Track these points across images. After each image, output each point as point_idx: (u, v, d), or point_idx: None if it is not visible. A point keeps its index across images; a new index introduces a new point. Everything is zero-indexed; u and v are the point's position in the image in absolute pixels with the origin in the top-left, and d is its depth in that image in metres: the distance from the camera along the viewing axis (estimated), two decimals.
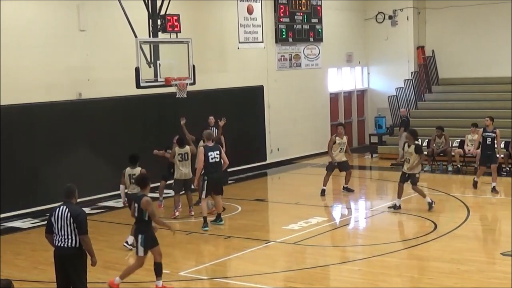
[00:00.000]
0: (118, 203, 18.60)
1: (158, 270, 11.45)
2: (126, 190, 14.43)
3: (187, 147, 16.69)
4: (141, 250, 11.26)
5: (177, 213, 16.84)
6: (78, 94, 18.78)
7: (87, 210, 17.71)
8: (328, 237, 15.12)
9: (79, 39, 18.72)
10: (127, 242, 14.02)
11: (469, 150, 22.33)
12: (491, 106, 24.91)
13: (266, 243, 14.48)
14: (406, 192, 18.97)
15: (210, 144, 15.68)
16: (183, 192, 16.81)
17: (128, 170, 14.30)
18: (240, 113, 23.09)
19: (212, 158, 15.46)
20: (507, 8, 26.78)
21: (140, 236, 11.27)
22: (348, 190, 19.40)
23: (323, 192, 18.94)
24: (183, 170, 16.50)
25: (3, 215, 17.04)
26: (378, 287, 11.59)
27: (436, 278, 11.84)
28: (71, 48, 18.56)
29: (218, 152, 15.62)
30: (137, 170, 14.15)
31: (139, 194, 11.46)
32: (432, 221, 15.61)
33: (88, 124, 18.88)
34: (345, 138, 19.20)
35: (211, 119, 19.20)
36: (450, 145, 22.85)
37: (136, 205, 11.34)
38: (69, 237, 9.71)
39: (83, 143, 18.75)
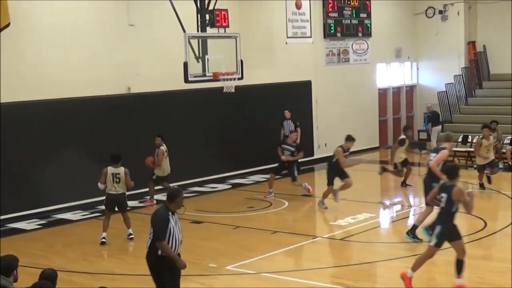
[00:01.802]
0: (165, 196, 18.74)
1: (458, 266, 11.14)
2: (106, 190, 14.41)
3: None
4: (434, 241, 11.01)
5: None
6: (127, 88, 18.96)
7: (134, 203, 17.93)
8: (376, 233, 15.02)
9: (128, 34, 18.86)
10: (104, 238, 14.20)
11: None
12: None
13: (313, 238, 14.44)
14: None
15: None
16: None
17: (110, 169, 14.33)
18: (287, 108, 23.00)
19: None
20: None
21: (438, 227, 10.92)
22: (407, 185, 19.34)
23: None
24: None
25: (53, 207, 17.28)
26: (426, 285, 11.46)
27: (486, 277, 11.69)
28: (120, 43, 18.71)
29: None
30: (121, 169, 14.28)
31: (447, 184, 10.95)
32: (482, 219, 15.38)
33: (136, 118, 19.01)
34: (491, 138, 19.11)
35: (287, 112, 20.74)
36: (502, 142, 22.49)
37: (443, 195, 10.87)
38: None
39: (127, 135, 18.84)
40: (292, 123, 21.09)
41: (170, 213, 8.98)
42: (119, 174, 14.21)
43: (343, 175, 17.15)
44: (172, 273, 9.04)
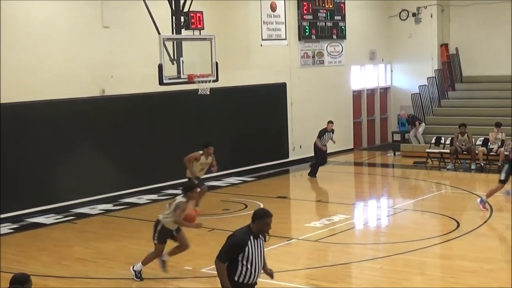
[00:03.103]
0: (141, 199, 18.76)
1: None
2: None
3: None
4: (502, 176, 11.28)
5: None
6: (101, 90, 18.89)
7: (109, 206, 17.90)
8: (350, 235, 15.10)
9: (102, 36, 18.81)
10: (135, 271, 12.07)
11: (491, 148, 22.22)
12: None
13: (288, 240, 14.48)
14: (429, 189, 18.96)
15: None
16: None
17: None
18: (262, 110, 23.12)
19: None
20: None
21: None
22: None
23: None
24: None
25: (26, 211, 17.17)
26: (400, 285, 11.55)
27: (459, 277, 11.78)
28: (94, 45, 18.65)
29: None
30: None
31: None
32: (455, 220, 15.53)
33: (110, 121, 18.97)
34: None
35: (330, 125, 21.52)
36: (473, 143, 22.72)
37: None
38: None
39: (105, 139, 18.83)
40: (332, 134, 21.81)
41: (251, 236, 7.91)
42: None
43: None
44: None
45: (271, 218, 7.98)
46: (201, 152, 16.75)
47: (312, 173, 21.54)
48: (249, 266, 7.84)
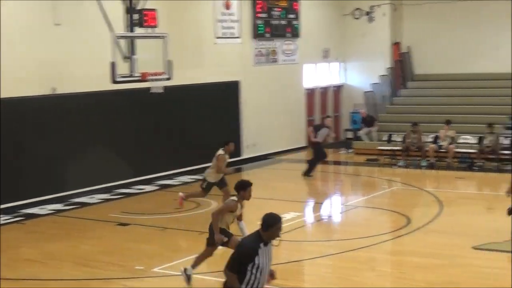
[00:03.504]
0: (92, 199, 18.62)
1: None
2: None
3: None
4: None
5: None
6: (52, 89, 18.66)
7: (59, 206, 17.72)
8: (302, 232, 15.20)
9: (54, 34, 18.62)
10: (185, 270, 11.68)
11: (441, 145, 22.56)
12: (465, 102, 25.12)
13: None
14: (380, 186, 19.16)
15: None
16: None
17: None
18: (216, 108, 23.12)
19: None
20: (483, 5, 27.02)
21: None
22: None
23: None
24: None
25: None
26: (351, 282, 11.67)
27: (409, 273, 11.96)
28: (46, 42, 18.45)
29: None
30: None
31: None
32: (406, 216, 15.73)
33: (62, 120, 18.79)
34: None
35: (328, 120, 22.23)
36: (424, 141, 23.03)
37: None
38: None
39: (57, 137, 18.65)
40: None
41: (261, 243, 7.55)
42: None
43: None
44: None
45: (281, 221, 7.65)
46: (222, 152, 16.02)
47: (308, 172, 21.26)
48: (258, 275, 7.52)
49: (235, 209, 11.19)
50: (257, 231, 7.55)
